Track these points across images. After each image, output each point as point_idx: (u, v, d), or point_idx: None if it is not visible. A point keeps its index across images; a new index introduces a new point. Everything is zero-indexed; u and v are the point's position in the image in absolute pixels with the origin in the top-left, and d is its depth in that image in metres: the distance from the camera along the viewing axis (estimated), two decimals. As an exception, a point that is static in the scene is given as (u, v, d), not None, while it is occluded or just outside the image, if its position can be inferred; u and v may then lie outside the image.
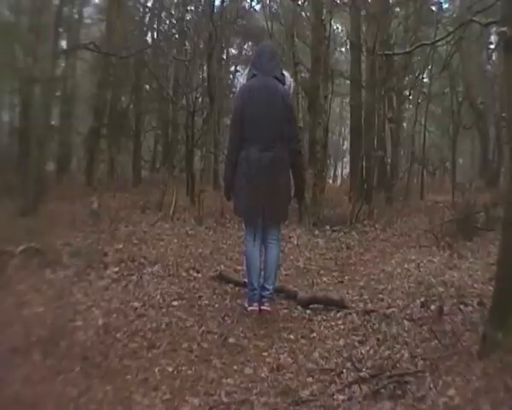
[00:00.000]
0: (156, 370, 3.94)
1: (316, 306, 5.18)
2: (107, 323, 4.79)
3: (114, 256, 7.00)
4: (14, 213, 9.23)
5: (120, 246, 7.67)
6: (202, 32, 14.33)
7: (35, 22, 12.63)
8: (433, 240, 7.72)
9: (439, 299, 4.88)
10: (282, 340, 4.46)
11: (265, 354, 4.22)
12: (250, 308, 4.96)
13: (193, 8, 15.82)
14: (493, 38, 17.30)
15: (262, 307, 4.95)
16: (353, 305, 5.18)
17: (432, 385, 3.23)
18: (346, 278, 6.37)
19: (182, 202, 11.52)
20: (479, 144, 18.11)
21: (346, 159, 24.03)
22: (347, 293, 5.66)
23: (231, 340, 4.49)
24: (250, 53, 21.50)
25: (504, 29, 3.72)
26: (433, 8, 15.48)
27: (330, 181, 20.72)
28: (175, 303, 5.37)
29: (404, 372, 3.58)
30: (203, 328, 4.74)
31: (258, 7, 18.32)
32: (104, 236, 8.35)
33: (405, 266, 6.45)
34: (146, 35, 17.97)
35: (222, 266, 6.68)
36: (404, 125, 16.94)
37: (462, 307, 4.70)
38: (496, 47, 15.90)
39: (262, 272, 5.10)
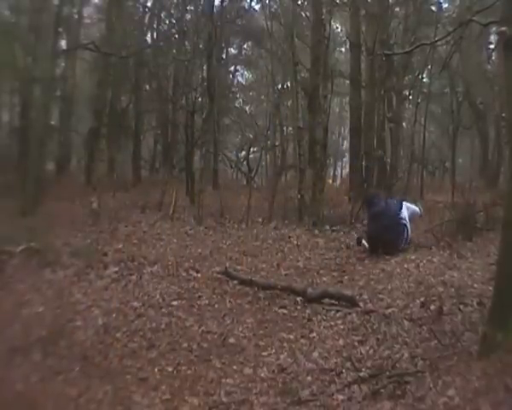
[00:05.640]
0: (156, 370, 3.95)
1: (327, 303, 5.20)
2: (107, 323, 4.79)
3: (114, 256, 7.01)
4: (14, 213, 9.23)
5: (120, 246, 7.68)
6: (202, 31, 14.32)
7: (35, 22, 12.62)
8: (433, 240, 7.71)
9: (438, 299, 4.88)
10: (282, 340, 4.47)
11: (265, 354, 4.22)
12: None
13: (192, 8, 15.77)
14: (493, 38, 17.31)
15: None
16: (353, 305, 5.19)
17: (432, 385, 3.23)
18: (346, 277, 6.37)
19: (181, 202, 11.51)
20: (479, 144, 18.06)
21: (346, 159, 23.99)
22: (347, 293, 5.66)
23: (231, 340, 4.49)
24: (250, 53, 21.50)
25: (504, 29, 3.72)
26: (433, 7, 15.47)
27: (330, 181, 20.69)
28: (174, 303, 5.38)
29: (404, 372, 3.58)
30: (203, 328, 4.74)
31: (257, 7, 18.31)
32: (104, 235, 8.35)
33: (405, 265, 6.45)
34: (146, 35, 17.93)
35: (227, 264, 6.67)
36: (404, 124, 16.90)
37: (461, 307, 4.70)
38: (496, 47, 15.88)
39: None
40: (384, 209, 7.69)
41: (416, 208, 7.94)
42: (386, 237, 7.26)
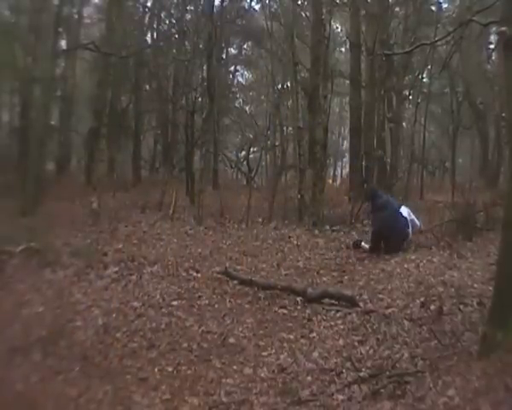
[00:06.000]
0: (156, 370, 3.95)
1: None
2: (107, 323, 4.79)
3: (114, 256, 7.01)
4: (14, 213, 9.23)
5: (120, 246, 7.68)
6: (202, 31, 14.32)
7: (35, 22, 12.62)
8: (433, 240, 7.71)
9: (438, 299, 4.88)
10: (282, 340, 4.47)
11: (265, 354, 4.22)
12: None
13: (192, 8, 15.77)
14: (493, 38, 17.31)
15: None
16: (353, 305, 5.18)
17: (432, 385, 3.23)
18: (346, 277, 6.37)
19: (181, 202, 11.52)
20: (479, 144, 18.05)
21: (346, 159, 23.98)
22: (347, 293, 5.66)
23: (231, 340, 4.49)
24: (250, 53, 21.49)
25: (504, 29, 3.72)
26: (433, 7, 15.47)
27: (330, 181, 20.69)
28: (174, 303, 5.38)
29: (404, 372, 3.58)
30: (203, 328, 4.74)
31: (257, 7, 18.32)
32: (104, 235, 8.35)
33: (405, 265, 6.44)
34: (146, 35, 17.94)
35: (227, 264, 6.67)
36: (404, 124, 16.89)
37: (461, 307, 4.70)
38: (496, 47, 15.87)
39: None
40: (388, 202, 7.84)
41: (417, 221, 7.89)
42: (393, 227, 7.36)
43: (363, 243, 7.72)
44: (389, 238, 7.34)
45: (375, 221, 7.87)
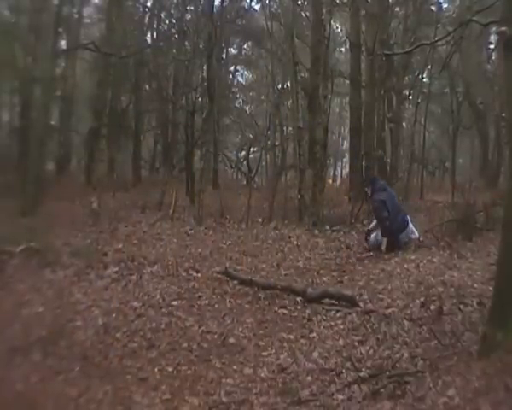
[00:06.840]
0: (156, 370, 3.95)
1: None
2: (107, 323, 4.80)
3: (114, 256, 7.01)
4: (14, 213, 9.23)
5: (120, 246, 7.68)
6: (202, 31, 14.33)
7: (35, 22, 12.62)
8: (433, 240, 7.71)
9: (438, 299, 4.88)
10: (282, 340, 4.47)
11: (265, 353, 4.22)
12: None
13: (192, 8, 15.78)
14: (493, 38, 17.32)
15: None
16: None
17: (431, 385, 3.23)
18: (346, 277, 6.37)
19: (181, 202, 11.52)
20: (479, 144, 18.05)
21: (346, 159, 24.01)
22: (347, 293, 5.66)
23: (231, 340, 4.49)
24: (250, 53, 21.49)
25: (504, 29, 3.72)
26: (433, 7, 15.47)
27: (330, 181, 20.67)
28: (174, 303, 5.38)
29: (404, 372, 3.58)
30: (203, 328, 4.74)
31: (257, 7, 18.33)
32: (104, 235, 8.35)
33: (405, 265, 6.44)
34: (146, 35, 17.94)
35: (227, 264, 6.67)
36: (404, 124, 16.87)
37: (461, 307, 4.70)
38: (496, 47, 15.87)
39: None
40: (386, 186, 8.07)
41: (416, 232, 7.84)
42: (391, 209, 7.50)
43: (372, 235, 7.75)
44: (389, 218, 7.44)
45: (378, 198, 7.78)
